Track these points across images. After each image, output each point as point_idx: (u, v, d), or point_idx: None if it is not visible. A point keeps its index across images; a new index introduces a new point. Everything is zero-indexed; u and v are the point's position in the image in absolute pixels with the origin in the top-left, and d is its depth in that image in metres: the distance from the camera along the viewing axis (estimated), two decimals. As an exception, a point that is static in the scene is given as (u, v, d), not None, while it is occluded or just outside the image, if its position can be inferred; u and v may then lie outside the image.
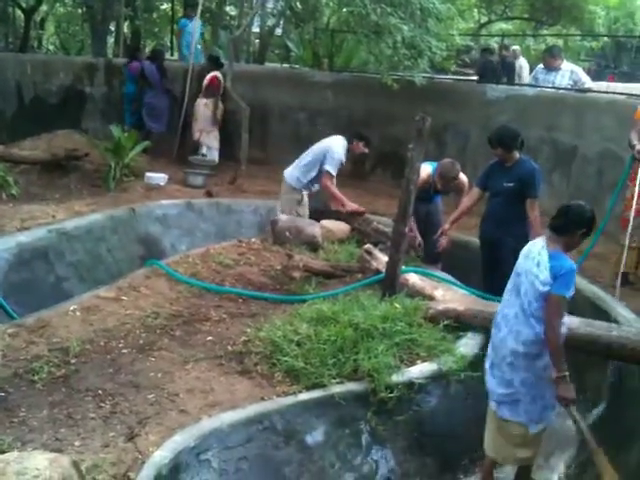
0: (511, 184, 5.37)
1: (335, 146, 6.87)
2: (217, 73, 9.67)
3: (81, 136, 9.81)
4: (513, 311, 3.64)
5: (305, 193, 7.00)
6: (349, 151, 6.91)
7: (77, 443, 3.35)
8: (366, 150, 7.02)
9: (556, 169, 7.92)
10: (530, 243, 3.72)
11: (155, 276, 5.52)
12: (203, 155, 9.58)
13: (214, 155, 9.69)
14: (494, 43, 12.40)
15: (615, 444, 4.03)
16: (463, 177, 6.37)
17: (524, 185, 5.33)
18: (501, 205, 5.52)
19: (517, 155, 5.49)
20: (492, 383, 3.77)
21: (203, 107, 9.68)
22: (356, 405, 3.98)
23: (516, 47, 12.08)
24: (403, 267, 5.26)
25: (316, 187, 6.99)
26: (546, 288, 3.42)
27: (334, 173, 6.78)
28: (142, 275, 5.54)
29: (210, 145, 9.70)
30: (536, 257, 3.53)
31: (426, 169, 6.10)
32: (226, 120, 10.07)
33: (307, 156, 6.96)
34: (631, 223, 5.69)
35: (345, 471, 3.79)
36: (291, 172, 7.02)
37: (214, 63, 9.95)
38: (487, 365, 3.86)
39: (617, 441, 4.05)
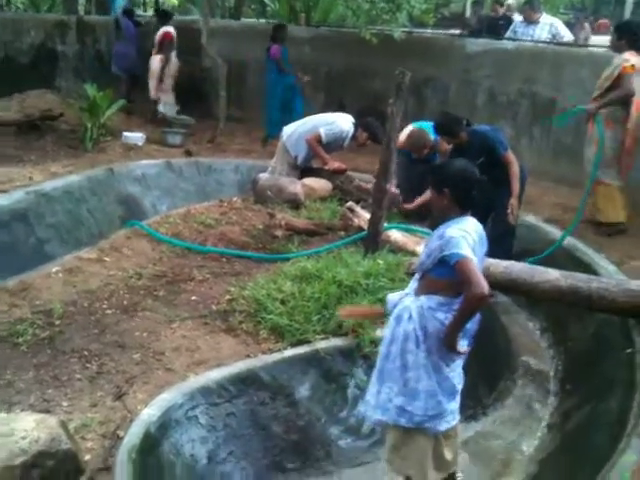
0: (482, 159, 5.38)
1: (340, 122, 6.81)
2: (169, 28, 9.43)
3: (54, 96, 9.60)
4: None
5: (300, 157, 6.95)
6: (353, 138, 6.84)
7: (65, 403, 3.37)
8: (367, 143, 6.86)
9: (535, 123, 7.91)
10: (472, 233, 3.02)
11: (136, 237, 5.50)
12: (161, 113, 9.43)
13: (172, 111, 9.53)
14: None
15: (595, 393, 4.13)
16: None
17: (490, 152, 5.36)
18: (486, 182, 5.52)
19: (464, 134, 5.49)
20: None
21: (158, 64, 9.49)
22: (341, 360, 4.02)
23: (511, 1, 11.30)
24: (385, 224, 5.27)
25: (302, 160, 6.94)
26: None
27: (324, 138, 6.73)
28: (123, 236, 5.52)
29: (167, 101, 9.53)
30: (485, 237, 3.17)
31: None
32: (202, 78, 9.92)
33: (306, 124, 6.91)
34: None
35: (331, 424, 3.85)
36: (290, 134, 6.94)
37: (163, 18, 9.68)
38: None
39: (597, 390, 4.14)
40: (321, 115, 7.08)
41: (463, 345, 3.04)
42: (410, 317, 3.09)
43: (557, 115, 6.83)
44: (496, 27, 10.02)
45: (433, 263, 3.05)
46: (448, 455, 3.24)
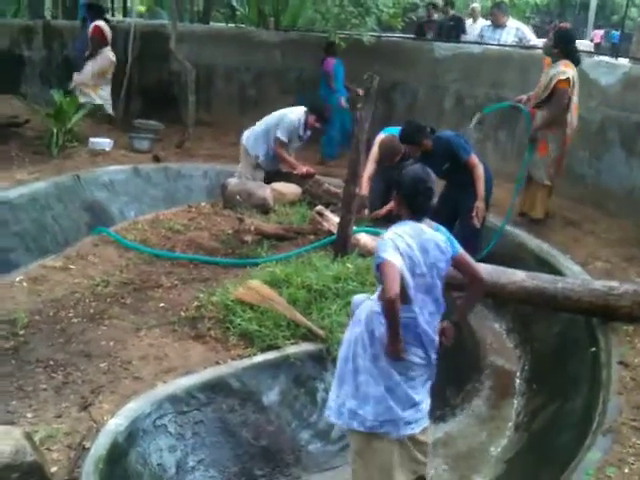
0: (447, 164, 5.44)
1: (290, 115, 6.86)
2: (99, 22, 9.30)
3: (20, 102, 9.46)
4: (434, 324, 3.11)
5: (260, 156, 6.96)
6: (306, 124, 6.89)
7: (29, 415, 3.32)
8: (317, 125, 6.93)
9: (502, 126, 8.01)
10: (406, 237, 2.97)
11: (103, 244, 5.45)
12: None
13: (108, 105, 9.44)
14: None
15: (561, 392, 4.19)
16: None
17: (453, 157, 5.44)
18: (453, 186, 5.59)
19: (429, 141, 5.52)
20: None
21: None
22: (311, 364, 4.03)
23: (476, 5, 11.39)
24: (355, 227, 5.29)
25: (262, 158, 6.96)
26: (449, 256, 3.09)
27: (285, 139, 6.78)
28: (90, 243, 5.46)
29: (101, 95, 9.41)
30: (437, 242, 3.06)
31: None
32: (170, 82, 9.86)
33: (261, 124, 6.96)
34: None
35: (301, 429, 3.85)
36: (248, 136, 7.01)
37: (93, 12, 9.54)
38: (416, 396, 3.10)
39: (563, 389, 4.20)
40: (272, 114, 7.08)
41: (413, 353, 3.02)
42: (360, 320, 3.12)
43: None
44: (447, 29, 10.12)
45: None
46: (419, 458, 3.24)
